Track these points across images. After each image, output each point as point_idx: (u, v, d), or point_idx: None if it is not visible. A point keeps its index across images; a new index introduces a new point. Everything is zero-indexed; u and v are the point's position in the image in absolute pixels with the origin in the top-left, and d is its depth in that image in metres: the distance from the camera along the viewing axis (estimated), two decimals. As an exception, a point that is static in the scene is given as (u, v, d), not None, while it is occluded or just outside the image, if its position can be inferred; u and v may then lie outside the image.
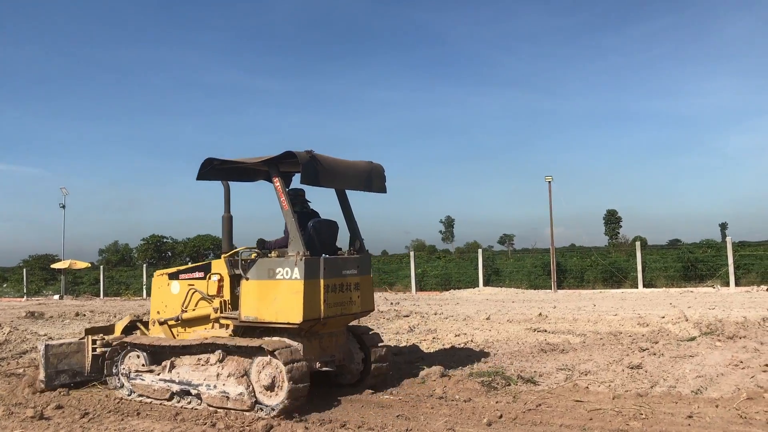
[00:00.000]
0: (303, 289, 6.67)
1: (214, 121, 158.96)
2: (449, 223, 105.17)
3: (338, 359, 7.56)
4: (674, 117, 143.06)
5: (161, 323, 7.84)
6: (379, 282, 31.06)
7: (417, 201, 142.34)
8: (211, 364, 6.93)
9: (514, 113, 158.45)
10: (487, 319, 14.30)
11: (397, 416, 6.26)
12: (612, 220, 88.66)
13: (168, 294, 7.89)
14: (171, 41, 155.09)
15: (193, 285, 7.66)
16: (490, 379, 7.51)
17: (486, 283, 27.60)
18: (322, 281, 6.89)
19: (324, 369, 7.15)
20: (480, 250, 29.36)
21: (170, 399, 7.14)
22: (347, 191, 8.06)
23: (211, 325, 7.48)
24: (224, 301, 7.36)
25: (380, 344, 7.86)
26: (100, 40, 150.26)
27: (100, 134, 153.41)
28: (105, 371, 7.85)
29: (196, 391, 6.96)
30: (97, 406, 6.97)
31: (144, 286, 34.84)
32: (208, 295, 7.47)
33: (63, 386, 7.99)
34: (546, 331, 11.95)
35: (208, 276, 7.56)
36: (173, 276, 7.93)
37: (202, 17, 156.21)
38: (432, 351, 10.11)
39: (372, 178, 7.95)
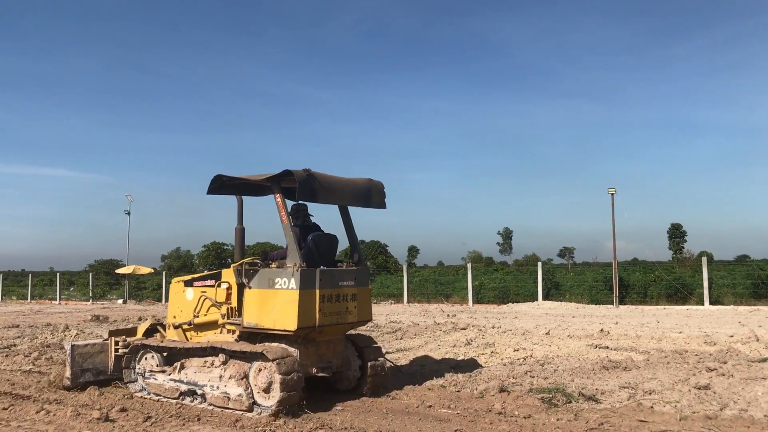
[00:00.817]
0: (298, 299, 7.10)
1: (273, 131, 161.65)
2: (507, 234, 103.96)
3: (335, 366, 7.94)
4: (742, 127, 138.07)
5: (176, 327, 8.35)
6: (434, 293, 30.95)
7: (474, 212, 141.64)
8: (215, 367, 7.40)
9: (575, 124, 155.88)
10: (547, 334, 14.06)
11: (456, 430, 6.20)
12: (676, 234, 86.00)
13: (183, 300, 8.39)
14: (232, 53, 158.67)
15: (205, 292, 8.14)
16: (551, 395, 7.35)
17: (545, 297, 27.15)
18: (317, 291, 7.32)
19: (320, 374, 7.61)
20: (539, 263, 28.92)
21: (178, 398, 7.64)
22: (350, 208, 8.48)
23: (219, 330, 7.93)
24: (231, 307, 7.80)
25: (379, 353, 8.24)
26: (165, 52, 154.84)
27: (163, 143, 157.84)
28: (123, 370, 8.36)
29: (201, 391, 7.44)
30: (159, 411, 7.11)
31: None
32: (217, 302, 7.93)
33: (87, 384, 8.49)
34: (608, 347, 11.67)
35: (218, 284, 8.01)
36: (188, 283, 8.43)
37: (262, 30, 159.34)
38: (490, 365, 9.99)
39: (371, 195, 8.37)
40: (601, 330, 14.44)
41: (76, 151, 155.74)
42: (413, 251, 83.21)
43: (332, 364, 7.89)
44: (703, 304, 23.71)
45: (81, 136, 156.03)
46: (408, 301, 29.56)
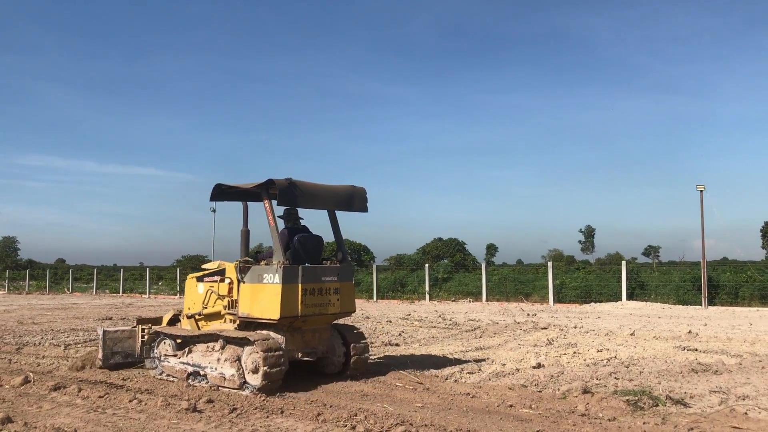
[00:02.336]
0: (281, 292, 8.11)
1: (353, 130, 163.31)
2: (589, 232, 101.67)
3: (321, 351, 8.98)
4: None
5: (189, 317, 9.49)
6: (514, 292, 30.53)
7: (555, 210, 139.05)
8: (215, 351, 8.50)
9: (662, 118, 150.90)
10: (632, 334, 13.67)
11: (537, 431, 6.10)
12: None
13: (195, 293, 9.52)
14: (313, 54, 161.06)
15: (212, 287, 9.25)
16: (636, 398, 7.14)
17: (629, 297, 26.34)
18: (300, 285, 8.30)
19: (305, 359, 8.68)
20: (623, 262, 28.07)
21: (187, 378, 8.70)
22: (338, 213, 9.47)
23: (223, 320, 9.04)
24: (232, 300, 8.89)
25: (361, 341, 9.16)
26: (250, 54, 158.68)
27: (247, 142, 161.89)
28: (144, 354, 9.68)
29: (203, 372, 8.56)
30: (244, 403, 7.30)
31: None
32: (221, 295, 9.05)
33: (117, 365, 9.78)
34: (696, 350, 11.24)
35: (221, 280, 9.11)
36: (199, 279, 9.53)
37: (342, 30, 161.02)
38: (572, 366, 9.79)
39: (353, 200, 9.36)
40: (689, 331, 13.92)
41: (164, 151, 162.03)
42: (492, 249, 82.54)
43: (317, 349, 8.90)
44: (800, 307, 22.49)
45: (170, 137, 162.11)
46: (486, 300, 29.31)
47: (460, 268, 41.60)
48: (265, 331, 8.36)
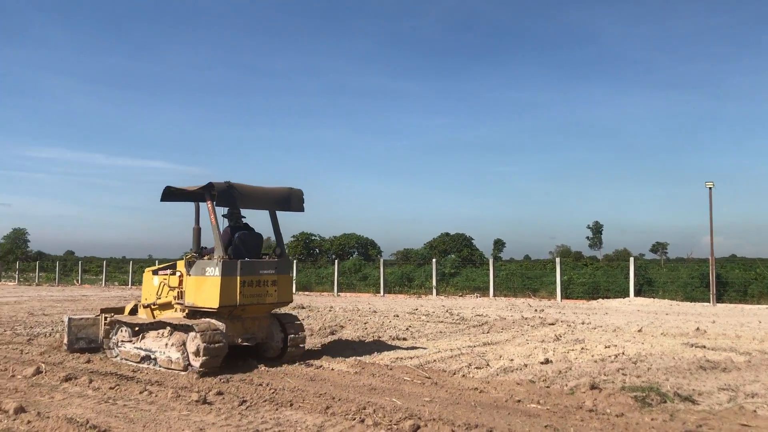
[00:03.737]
0: (220, 283, 8.95)
1: (361, 125, 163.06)
2: (597, 228, 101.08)
3: (260, 337, 9.83)
4: None
5: (145, 307, 10.47)
6: (521, 288, 30.52)
7: (563, 206, 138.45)
8: (164, 337, 9.37)
9: (671, 115, 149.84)
10: (639, 331, 13.66)
11: (545, 426, 6.12)
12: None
13: (151, 285, 10.43)
14: (322, 48, 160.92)
15: (165, 279, 10.11)
16: (644, 394, 7.16)
17: (637, 294, 26.29)
18: (238, 278, 9.13)
19: (244, 344, 9.57)
20: (631, 258, 28.00)
21: (140, 362, 9.55)
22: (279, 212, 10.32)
23: (174, 309, 9.90)
24: (181, 291, 9.73)
25: (298, 329, 10.03)
26: (258, 49, 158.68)
27: (256, 136, 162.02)
28: (103, 340, 10.48)
29: (154, 356, 9.37)
30: (253, 395, 7.35)
31: (294, 281, 36.32)
32: (172, 287, 9.92)
33: (81, 350, 10.66)
34: (705, 347, 11.22)
35: (172, 273, 10.00)
36: (155, 272, 10.46)
37: (350, 24, 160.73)
38: (580, 361, 9.80)
39: (291, 200, 10.27)
40: (697, 328, 13.90)
41: (173, 144, 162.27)
42: (499, 244, 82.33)
43: (256, 335, 9.77)
44: (809, 305, 22.39)
45: (178, 130, 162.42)
46: (494, 295, 29.31)
47: (467, 263, 41.64)
48: (207, 319, 9.22)
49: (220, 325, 9.20)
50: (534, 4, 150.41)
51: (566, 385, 7.87)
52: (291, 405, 6.94)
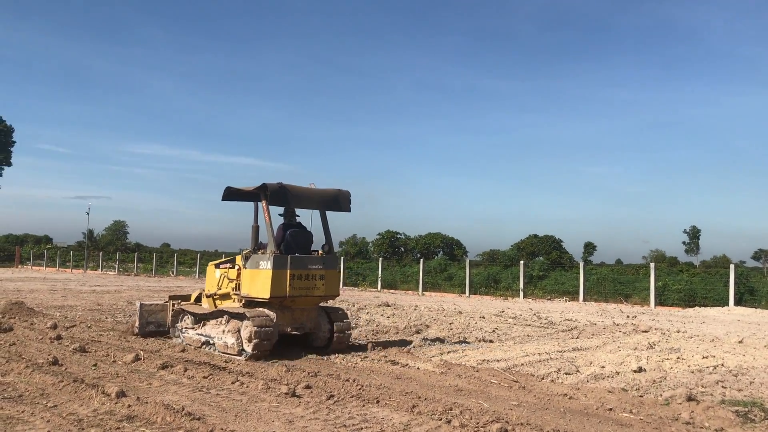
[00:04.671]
0: (271, 276, 9.73)
1: (453, 123, 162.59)
2: (694, 233, 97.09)
3: (308, 327, 10.60)
4: None
5: (207, 297, 11.37)
6: (612, 293, 29.63)
7: (658, 208, 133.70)
8: (222, 324, 10.27)
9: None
10: (740, 342, 12.98)
11: (639, 437, 5.91)
12: None
13: (213, 277, 11.31)
14: (412, 46, 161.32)
15: (225, 272, 10.94)
16: (747, 409, 6.80)
17: (737, 303, 25.02)
18: (288, 271, 9.88)
19: (293, 332, 10.35)
20: (732, 265, 26.68)
21: (201, 346, 10.50)
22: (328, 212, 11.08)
23: (232, 299, 10.67)
24: (239, 283, 10.50)
25: (345, 320, 10.73)
26: (348, 47, 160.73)
27: (344, 134, 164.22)
28: (170, 326, 11.56)
29: (212, 342, 10.31)
30: (341, 390, 7.44)
31: (379, 279, 36.57)
32: (230, 279, 10.70)
33: (151, 333, 11.70)
34: (813, 362, 10.54)
35: (232, 266, 10.77)
36: (217, 266, 11.31)
37: (441, 22, 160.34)
38: (676, 371, 9.41)
39: (339, 201, 11.00)
40: (805, 342, 13.09)
41: (264, 142, 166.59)
42: (590, 248, 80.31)
43: (305, 325, 10.52)
44: None
45: (270, 128, 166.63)
46: (583, 300, 28.58)
47: (556, 266, 40.77)
48: (260, 309, 10.06)
49: (272, 314, 9.97)
50: (629, 0, 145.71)
51: (661, 395, 7.58)
52: (377, 402, 6.98)
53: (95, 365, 8.85)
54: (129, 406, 6.42)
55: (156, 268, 52.06)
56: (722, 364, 10.05)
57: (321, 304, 10.90)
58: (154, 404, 6.42)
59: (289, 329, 10.27)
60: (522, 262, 32.73)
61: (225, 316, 10.26)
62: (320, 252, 10.72)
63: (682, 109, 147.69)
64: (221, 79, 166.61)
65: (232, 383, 7.74)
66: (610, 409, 6.91)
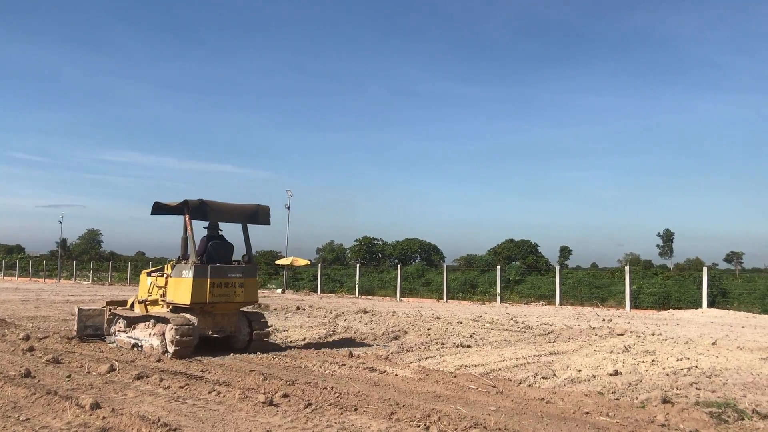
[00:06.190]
0: (192, 284, 10.73)
1: (428, 129, 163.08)
2: (668, 237, 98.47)
3: (229, 331, 11.55)
4: None
5: (140, 302, 12.21)
6: (588, 296, 29.90)
7: (633, 213, 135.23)
8: (149, 328, 11.30)
9: (749, 120, 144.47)
10: (713, 344, 13.16)
11: (615, 440, 5.96)
12: None
13: (145, 284, 12.24)
14: (388, 53, 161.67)
15: (155, 280, 11.90)
16: (720, 410, 6.89)
17: (711, 305, 25.38)
18: (208, 280, 10.86)
19: (214, 336, 11.34)
20: (705, 268, 27.10)
21: (132, 348, 11.38)
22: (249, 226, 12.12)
23: (160, 305, 11.63)
24: (165, 290, 11.44)
25: (263, 325, 11.68)
26: (324, 53, 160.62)
27: (321, 141, 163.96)
28: (105, 329, 12.58)
29: (140, 343, 11.32)
30: (319, 398, 7.40)
31: (357, 285, 36.52)
32: (159, 286, 11.69)
33: (88, 336, 12.52)
34: (785, 362, 10.71)
35: (161, 275, 11.69)
36: (149, 274, 12.29)
37: (417, 28, 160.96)
38: (651, 374, 9.51)
39: (258, 215, 11.98)
40: (777, 343, 13.30)
41: (242, 148, 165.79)
42: (565, 252, 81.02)
43: (225, 329, 11.48)
44: None
45: (247, 135, 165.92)
46: (560, 303, 28.78)
47: (532, 270, 41.04)
48: (183, 314, 10.90)
49: (193, 319, 10.79)
50: (605, 7, 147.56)
51: (636, 398, 7.65)
52: (356, 409, 6.95)
53: (69, 376, 8.70)
54: (104, 417, 6.32)
55: (130, 277, 51.47)
56: (696, 366, 10.17)
57: (242, 309, 11.83)
58: (129, 416, 6.33)
59: (210, 332, 11.22)
60: (499, 266, 32.91)
61: (152, 321, 11.32)
62: (240, 261, 11.65)
63: (655, 114, 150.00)
64: (197, 86, 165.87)
65: (209, 393, 7.66)
66: (587, 413, 6.96)
